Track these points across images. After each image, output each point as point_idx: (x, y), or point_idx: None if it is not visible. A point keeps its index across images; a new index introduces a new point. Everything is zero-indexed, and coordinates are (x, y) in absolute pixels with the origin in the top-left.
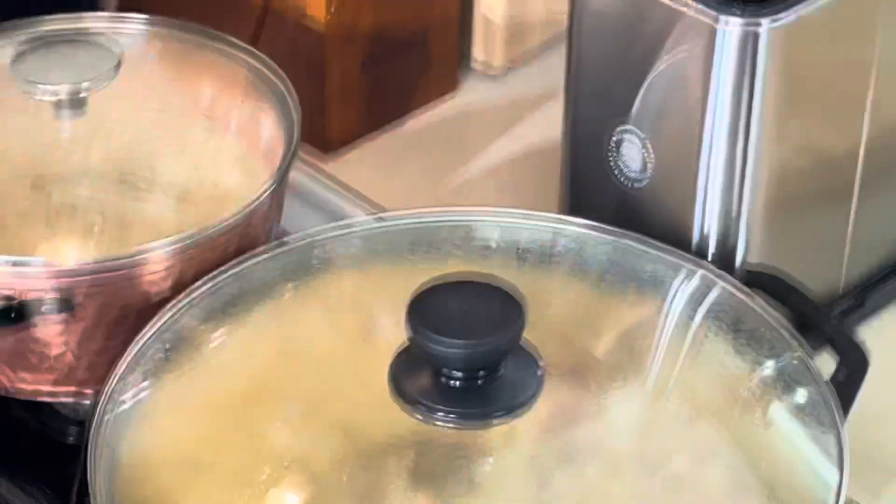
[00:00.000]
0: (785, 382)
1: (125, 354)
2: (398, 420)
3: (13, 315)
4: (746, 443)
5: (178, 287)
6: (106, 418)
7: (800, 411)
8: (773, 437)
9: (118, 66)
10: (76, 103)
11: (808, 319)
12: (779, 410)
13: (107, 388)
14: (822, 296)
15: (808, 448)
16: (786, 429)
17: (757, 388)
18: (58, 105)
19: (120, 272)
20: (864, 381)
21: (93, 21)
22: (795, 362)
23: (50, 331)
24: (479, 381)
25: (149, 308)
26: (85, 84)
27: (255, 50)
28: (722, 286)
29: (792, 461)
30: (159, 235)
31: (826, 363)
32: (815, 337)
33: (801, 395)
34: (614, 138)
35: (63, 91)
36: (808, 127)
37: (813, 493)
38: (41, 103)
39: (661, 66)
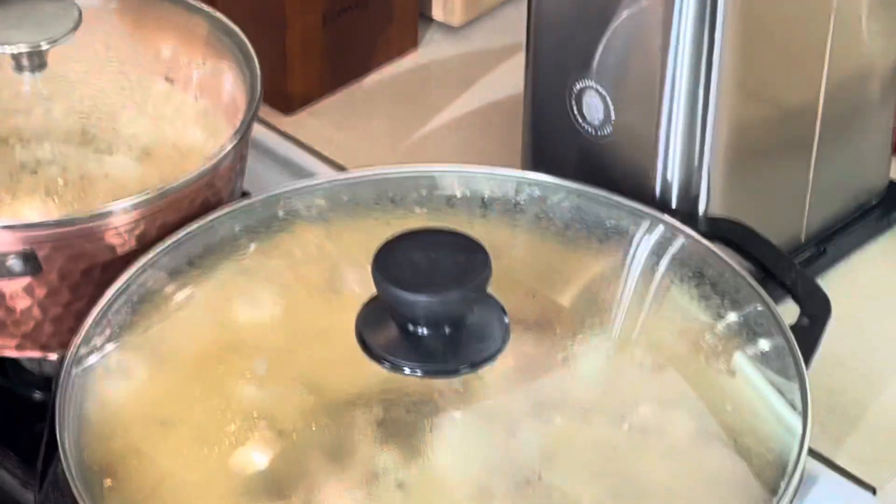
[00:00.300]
0: (748, 331)
1: (91, 311)
2: (365, 373)
3: None
4: (710, 391)
5: (143, 244)
6: (73, 374)
7: (763, 359)
8: (736, 386)
9: (78, 22)
10: (36, 60)
11: (771, 268)
12: (742, 359)
13: (73, 345)
14: (784, 245)
15: (771, 396)
16: (749, 377)
17: (720, 337)
18: (18, 62)
19: (83, 230)
20: (827, 329)
21: None
22: (759, 310)
23: (15, 288)
24: (446, 333)
25: (114, 265)
26: (44, 41)
27: (213, 10)
28: (685, 236)
29: (756, 409)
30: (123, 192)
31: (789, 312)
32: (777, 285)
33: (765, 344)
34: (576, 91)
35: (22, 48)
36: (769, 77)
37: (777, 441)
38: (1, 61)
39: (621, 17)
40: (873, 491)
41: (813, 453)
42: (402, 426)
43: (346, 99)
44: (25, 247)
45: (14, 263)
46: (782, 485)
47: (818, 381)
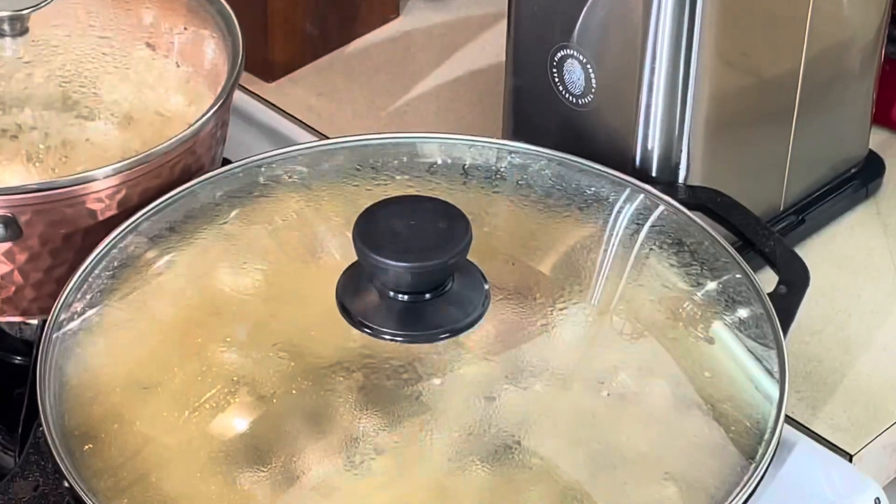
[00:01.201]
0: (727, 299)
1: (73, 277)
2: (346, 339)
3: None
4: (689, 359)
5: (125, 210)
6: (54, 339)
7: (741, 327)
8: (715, 353)
9: None
10: (17, 25)
11: (750, 236)
12: (721, 327)
13: (55, 310)
14: (763, 214)
15: (749, 364)
16: (728, 345)
17: (699, 305)
18: None
19: (64, 195)
20: (805, 298)
21: None
22: (737, 278)
23: None
24: (426, 300)
25: (95, 231)
26: (26, 6)
27: None
28: (664, 204)
29: (734, 377)
30: (104, 158)
31: (767, 280)
32: (756, 254)
33: (743, 312)
34: (557, 59)
35: (3, 13)
36: (750, 47)
37: (754, 408)
38: None
39: None
40: (849, 457)
41: (790, 420)
42: (383, 392)
43: (328, 67)
44: (6, 212)
45: None
46: (759, 451)
47: (795, 349)
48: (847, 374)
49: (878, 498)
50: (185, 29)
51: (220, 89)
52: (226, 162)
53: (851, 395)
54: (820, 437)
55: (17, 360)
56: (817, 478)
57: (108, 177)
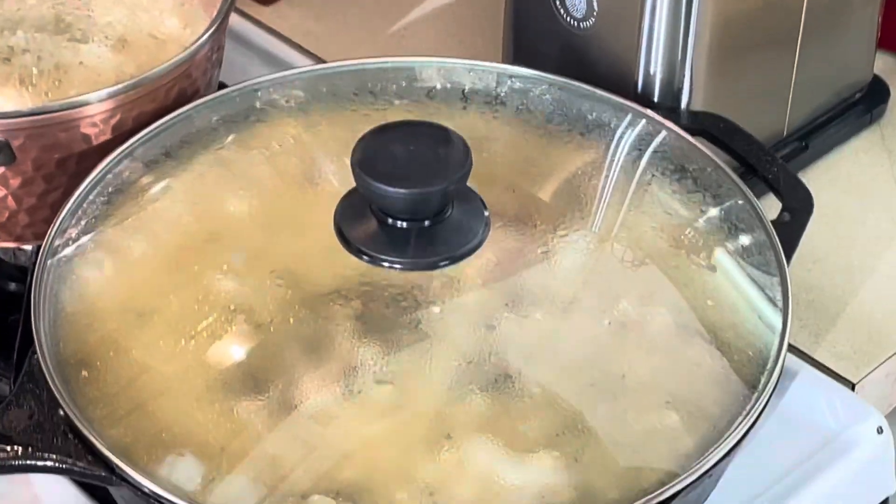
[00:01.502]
0: (729, 226)
1: (67, 202)
2: (344, 267)
3: None
4: (691, 287)
5: (119, 135)
6: (48, 265)
7: (744, 255)
8: (717, 281)
9: None
10: None
11: (753, 162)
12: (723, 254)
13: (49, 236)
14: (766, 140)
15: (752, 292)
16: (730, 273)
17: (702, 232)
18: None
19: (58, 119)
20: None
21: None
22: (740, 205)
23: None
24: (425, 227)
25: (89, 156)
26: None
27: None
28: (667, 130)
29: (736, 305)
30: (98, 82)
31: (770, 207)
32: (759, 180)
33: (746, 239)
34: None
35: None
36: None
37: (757, 337)
38: None
39: None
40: (852, 386)
41: (792, 348)
42: (381, 320)
43: None
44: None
45: None
46: (762, 380)
47: (797, 276)
48: (850, 301)
49: (880, 426)
50: None
51: (216, 12)
52: (222, 86)
53: (854, 323)
54: (822, 365)
55: (12, 286)
56: (819, 406)
57: (102, 101)
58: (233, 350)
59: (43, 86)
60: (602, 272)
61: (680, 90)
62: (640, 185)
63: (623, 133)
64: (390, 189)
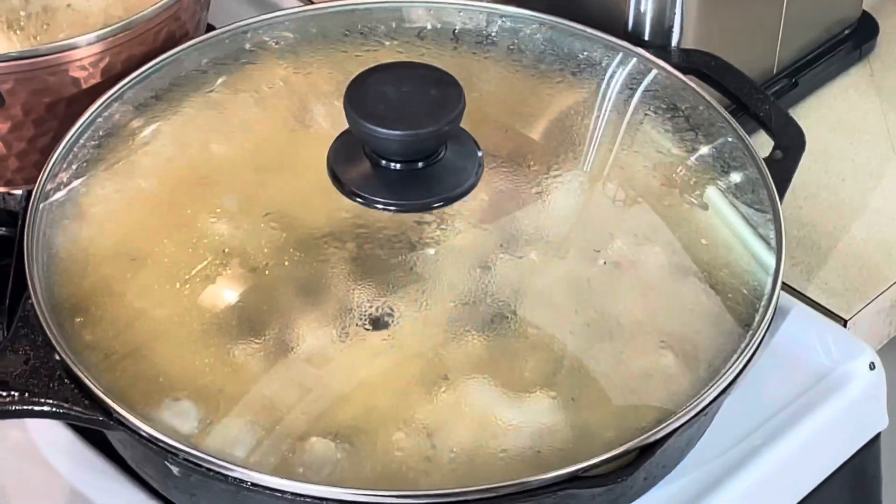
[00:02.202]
0: (722, 164)
1: (58, 146)
2: (337, 209)
3: None
4: (684, 226)
5: (109, 78)
6: (40, 208)
7: (737, 193)
8: (710, 220)
9: None
10: None
11: (745, 100)
12: (716, 192)
13: (41, 180)
14: (757, 78)
15: (744, 230)
16: (723, 211)
17: (694, 171)
18: None
19: (47, 63)
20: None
21: None
22: (732, 143)
23: None
24: (419, 168)
25: (79, 100)
26: None
27: None
28: (658, 68)
29: (729, 243)
30: (86, 25)
31: (761, 145)
32: (751, 118)
33: (738, 177)
34: None
35: None
36: None
37: (750, 275)
38: None
39: None
40: (844, 322)
41: (784, 286)
42: (376, 262)
43: None
44: None
45: None
46: (756, 318)
47: (789, 214)
48: (841, 238)
49: (872, 362)
50: None
51: None
52: (210, 28)
53: (845, 259)
54: (814, 302)
55: (2, 230)
56: (812, 343)
57: (90, 44)
58: (227, 293)
59: (31, 29)
60: (595, 212)
61: (670, 28)
62: (632, 124)
63: (614, 72)
64: (384, 131)
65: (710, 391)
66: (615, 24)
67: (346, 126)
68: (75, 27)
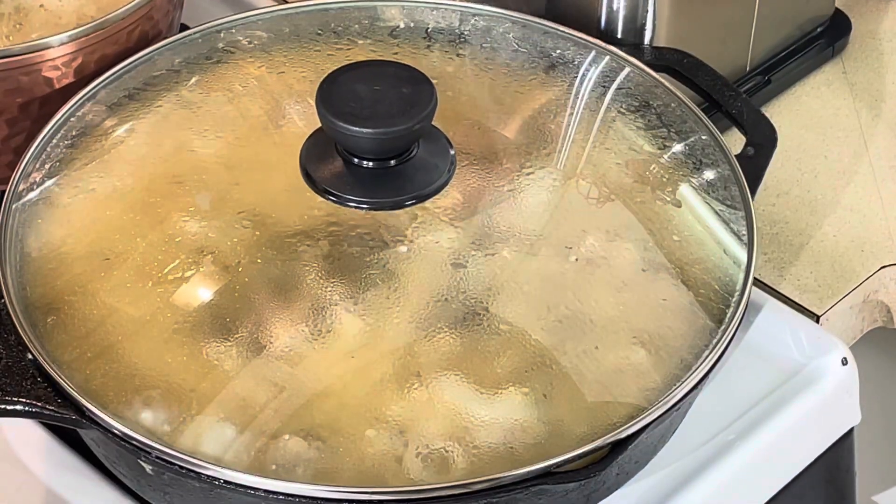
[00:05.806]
0: (694, 161)
1: (31, 146)
2: (310, 207)
3: None
4: (656, 222)
5: (82, 78)
6: (13, 208)
7: (709, 190)
8: (682, 217)
9: None
10: None
11: (717, 97)
12: (688, 189)
13: (13, 180)
14: (730, 75)
15: (717, 226)
16: (695, 208)
17: (666, 168)
18: None
19: (19, 63)
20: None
21: None
22: (704, 140)
23: None
24: (391, 166)
25: (52, 100)
26: None
27: None
28: (630, 66)
29: (702, 240)
30: (59, 25)
31: (734, 142)
32: (723, 115)
33: (710, 174)
34: None
35: None
36: None
37: (722, 271)
38: None
39: None
40: (816, 318)
41: (757, 282)
42: (349, 260)
43: None
44: None
45: None
46: (728, 313)
47: (762, 210)
48: (814, 235)
49: (844, 358)
50: None
51: None
52: (184, 28)
53: (818, 255)
54: (787, 298)
55: None
56: (784, 339)
57: (63, 44)
58: (200, 292)
59: (3, 29)
60: (568, 209)
61: (643, 26)
62: (605, 121)
63: (587, 70)
64: (356, 129)
65: (681, 386)
66: (588, 23)
67: (318, 124)
68: (48, 27)
